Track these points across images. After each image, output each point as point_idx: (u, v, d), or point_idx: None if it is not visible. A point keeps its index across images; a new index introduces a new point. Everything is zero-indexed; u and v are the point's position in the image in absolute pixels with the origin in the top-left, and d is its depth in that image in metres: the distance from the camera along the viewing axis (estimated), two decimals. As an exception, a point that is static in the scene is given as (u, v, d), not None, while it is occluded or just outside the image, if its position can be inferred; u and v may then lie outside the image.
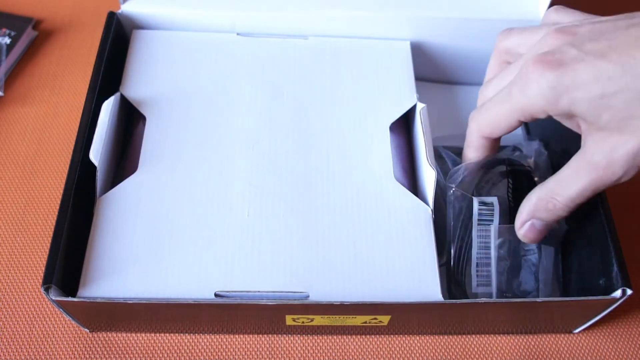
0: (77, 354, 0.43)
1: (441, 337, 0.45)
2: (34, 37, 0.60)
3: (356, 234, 0.41)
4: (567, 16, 0.39)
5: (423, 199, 0.43)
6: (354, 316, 0.40)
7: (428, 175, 0.42)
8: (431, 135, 0.44)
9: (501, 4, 0.51)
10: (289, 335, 0.45)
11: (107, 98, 0.44)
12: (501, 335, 0.45)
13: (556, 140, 0.48)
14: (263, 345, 0.44)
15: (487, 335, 0.45)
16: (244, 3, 0.51)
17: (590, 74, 0.32)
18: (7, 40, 0.58)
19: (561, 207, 0.38)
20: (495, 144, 0.43)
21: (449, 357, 0.44)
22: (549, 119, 0.37)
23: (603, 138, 0.34)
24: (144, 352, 0.44)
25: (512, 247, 0.42)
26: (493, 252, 0.42)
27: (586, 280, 0.42)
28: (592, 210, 0.42)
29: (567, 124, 0.38)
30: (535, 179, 0.45)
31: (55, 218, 0.39)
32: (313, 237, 0.41)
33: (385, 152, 0.45)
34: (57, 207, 0.40)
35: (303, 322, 0.41)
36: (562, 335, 0.46)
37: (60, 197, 0.40)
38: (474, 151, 0.42)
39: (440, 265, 0.41)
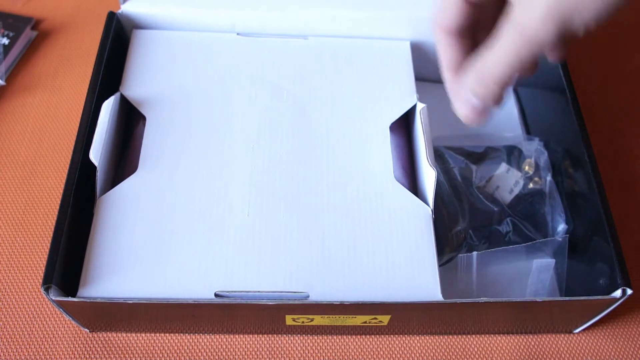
0: (77, 354, 0.43)
1: (441, 337, 0.45)
2: (33, 37, 0.60)
3: (356, 234, 0.41)
4: None
5: (423, 198, 0.43)
6: (354, 316, 0.40)
7: (428, 175, 0.42)
8: (431, 135, 0.44)
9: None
10: (289, 335, 0.45)
11: (107, 98, 0.44)
12: (501, 335, 0.45)
13: (556, 140, 0.49)
14: (263, 345, 0.44)
15: (487, 335, 0.45)
16: (244, 3, 0.51)
17: None
18: (6, 40, 0.58)
19: (491, 77, 0.35)
20: (463, 44, 0.39)
21: (449, 357, 0.44)
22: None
23: None
24: (144, 352, 0.44)
25: None
26: None
27: (586, 280, 0.42)
28: (592, 210, 0.42)
29: None
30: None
31: (55, 218, 0.39)
32: (313, 237, 0.41)
33: (386, 152, 0.45)
34: (57, 207, 0.40)
35: (303, 322, 0.41)
36: (562, 335, 0.46)
37: (60, 197, 0.40)
38: (442, 54, 0.39)
39: (440, 265, 0.41)
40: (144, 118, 0.45)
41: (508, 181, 0.48)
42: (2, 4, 0.62)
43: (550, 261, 0.45)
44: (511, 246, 0.45)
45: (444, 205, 0.45)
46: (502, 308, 0.40)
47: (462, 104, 0.37)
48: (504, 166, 0.48)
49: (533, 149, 0.48)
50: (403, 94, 0.48)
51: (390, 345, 0.45)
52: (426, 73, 0.55)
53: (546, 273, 0.45)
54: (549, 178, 0.47)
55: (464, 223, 0.45)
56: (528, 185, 0.48)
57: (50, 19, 0.62)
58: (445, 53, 0.39)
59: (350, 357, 0.44)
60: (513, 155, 0.49)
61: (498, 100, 0.36)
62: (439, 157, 0.47)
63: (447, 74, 0.38)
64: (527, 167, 0.48)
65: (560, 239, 0.44)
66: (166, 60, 0.48)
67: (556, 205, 0.46)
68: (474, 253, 0.44)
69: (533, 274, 0.45)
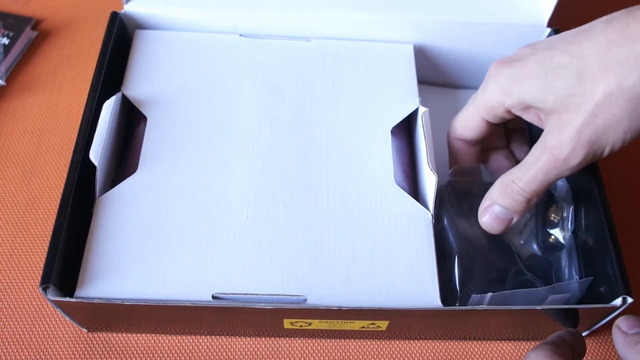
0: (76, 354, 0.43)
1: (441, 342, 0.45)
2: (33, 37, 0.60)
3: (355, 238, 0.41)
4: None
5: (424, 203, 0.43)
6: (352, 321, 0.40)
7: (429, 180, 0.42)
8: (433, 139, 0.44)
9: (504, 8, 0.50)
10: (288, 339, 0.45)
11: (108, 98, 0.44)
12: (502, 341, 0.45)
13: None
14: (262, 348, 0.44)
15: (488, 342, 0.45)
16: (247, 4, 0.50)
17: (538, 62, 0.36)
18: (6, 40, 0.58)
19: (518, 190, 0.38)
20: (473, 149, 0.44)
21: (448, 363, 0.44)
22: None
23: (555, 121, 0.36)
24: (143, 352, 0.44)
25: None
26: None
27: (587, 288, 0.42)
28: (593, 217, 0.42)
29: (528, 117, 0.39)
30: None
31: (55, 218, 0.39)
32: (312, 240, 0.40)
33: (386, 155, 0.44)
34: (57, 207, 0.40)
35: (301, 326, 0.41)
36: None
37: (60, 197, 0.40)
38: (452, 155, 0.45)
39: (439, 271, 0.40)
40: (145, 118, 0.45)
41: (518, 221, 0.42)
42: (2, 4, 0.62)
43: (565, 296, 0.42)
44: (531, 289, 0.40)
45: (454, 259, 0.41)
46: (502, 316, 0.40)
47: (484, 212, 0.40)
48: None
49: (563, 193, 0.44)
50: (405, 98, 0.47)
51: (390, 349, 0.44)
52: (429, 77, 0.55)
53: (558, 302, 0.43)
54: (569, 233, 0.43)
55: (475, 282, 0.41)
56: (547, 239, 0.44)
57: (50, 19, 0.62)
58: (456, 157, 0.44)
59: (349, 362, 0.44)
60: None
61: (521, 212, 0.39)
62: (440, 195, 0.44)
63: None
64: (552, 215, 0.44)
65: (583, 281, 0.42)
66: (168, 61, 0.48)
67: (572, 263, 0.43)
68: (488, 294, 0.40)
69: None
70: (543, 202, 0.44)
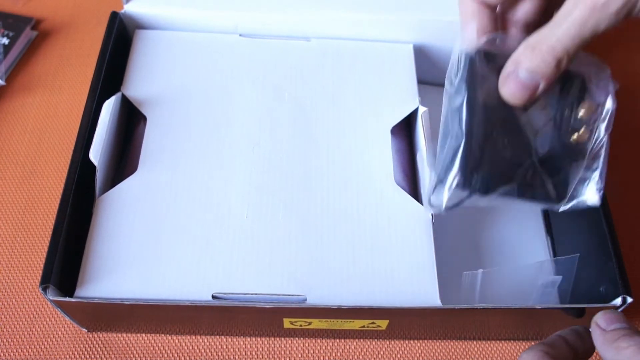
0: (76, 354, 0.43)
1: (441, 342, 0.45)
2: (33, 37, 0.60)
3: (355, 237, 0.41)
4: None
5: (422, 202, 0.43)
6: (352, 320, 0.40)
7: (428, 180, 0.42)
8: (432, 139, 0.44)
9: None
10: (289, 338, 0.45)
11: (108, 98, 0.44)
12: (502, 341, 0.45)
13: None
14: (263, 348, 0.44)
15: (488, 342, 0.45)
16: (247, 4, 0.50)
17: None
18: (5, 40, 0.58)
19: (546, 49, 0.33)
20: (493, 14, 0.38)
21: (448, 363, 0.44)
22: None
23: None
24: (143, 353, 0.44)
25: None
26: None
27: (587, 287, 0.42)
28: (593, 218, 0.42)
29: None
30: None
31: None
32: (312, 240, 0.40)
33: (386, 155, 0.44)
34: (57, 207, 0.40)
35: (301, 325, 0.41)
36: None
37: (60, 197, 0.40)
38: (469, 21, 0.37)
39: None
40: (144, 118, 0.45)
41: (538, 116, 0.37)
42: (2, 4, 0.62)
43: (557, 278, 0.43)
44: (519, 265, 0.41)
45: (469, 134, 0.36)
46: (502, 314, 0.40)
47: (506, 79, 0.35)
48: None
49: (602, 96, 0.37)
50: (405, 97, 0.47)
51: (390, 349, 0.44)
52: (429, 76, 0.55)
53: (551, 289, 0.44)
54: (606, 137, 0.37)
55: (482, 171, 0.36)
56: (570, 137, 0.37)
57: (50, 19, 0.62)
58: (475, 19, 0.37)
59: (349, 361, 0.44)
60: (572, 84, 0.37)
61: (550, 76, 0.34)
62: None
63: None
64: (582, 112, 0.37)
65: (569, 258, 0.42)
66: (168, 61, 0.48)
67: (592, 175, 0.37)
68: (479, 271, 0.40)
69: (538, 290, 0.44)
70: (575, 98, 0.37)
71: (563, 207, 0.37)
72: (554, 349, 0.33)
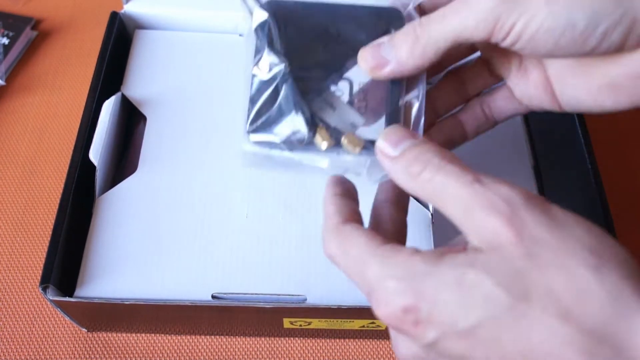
0: (76, 354, 0.43)
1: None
2: (33, 37, 0.60)
3: (355, 238, 0.41)
4: None
5: (422, 202, 0.43)
6: (352, 320, 0.40)
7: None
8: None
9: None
10: (289, 338, 0.45)
11: (108, 98, 0.44)
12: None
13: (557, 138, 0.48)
14: (263, 348, 0.44)
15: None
16: (247, 4, 0.50)
17: None
18: (5, 40, 0.58)
19: (421, 32, 0.29)
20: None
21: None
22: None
23: None
24: (143, 353, 0.44)
25: None
26: None
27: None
28: (592, 217, 0.42)
29: None
30: None
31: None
32: (311, 240, 0.40)
33: (386, 155, 0.44)
34: (57, 207, 0.40)
35: (301, 325, 0.41)
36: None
37: (60, 197, 0.40)
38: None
39: None
40: (144, 118, 0.45)
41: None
42: (2, 4, 0.62)
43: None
44: None
45: None
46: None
47: (371, 50, 0.31)
48: None
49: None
50: (405, 97, 0.47)
51: (390, 349, 0.44)
52: (428, 76, 0.55)
53: None
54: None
55: None
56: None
57: (50, 19, 0.62)
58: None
59: (349, 361, 0.44)
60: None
61: (405, 63, 0.30)
62: None
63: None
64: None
65: None
66: (168, 61, 0.48)
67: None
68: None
69: None
70: None
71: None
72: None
